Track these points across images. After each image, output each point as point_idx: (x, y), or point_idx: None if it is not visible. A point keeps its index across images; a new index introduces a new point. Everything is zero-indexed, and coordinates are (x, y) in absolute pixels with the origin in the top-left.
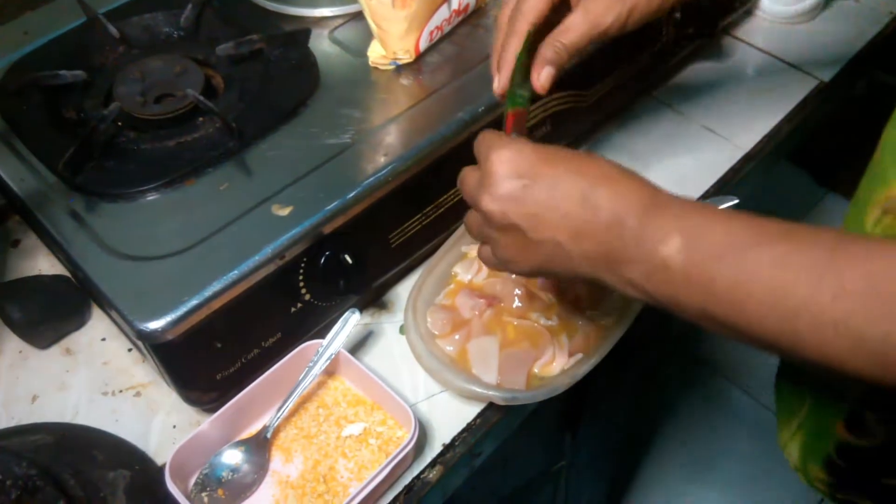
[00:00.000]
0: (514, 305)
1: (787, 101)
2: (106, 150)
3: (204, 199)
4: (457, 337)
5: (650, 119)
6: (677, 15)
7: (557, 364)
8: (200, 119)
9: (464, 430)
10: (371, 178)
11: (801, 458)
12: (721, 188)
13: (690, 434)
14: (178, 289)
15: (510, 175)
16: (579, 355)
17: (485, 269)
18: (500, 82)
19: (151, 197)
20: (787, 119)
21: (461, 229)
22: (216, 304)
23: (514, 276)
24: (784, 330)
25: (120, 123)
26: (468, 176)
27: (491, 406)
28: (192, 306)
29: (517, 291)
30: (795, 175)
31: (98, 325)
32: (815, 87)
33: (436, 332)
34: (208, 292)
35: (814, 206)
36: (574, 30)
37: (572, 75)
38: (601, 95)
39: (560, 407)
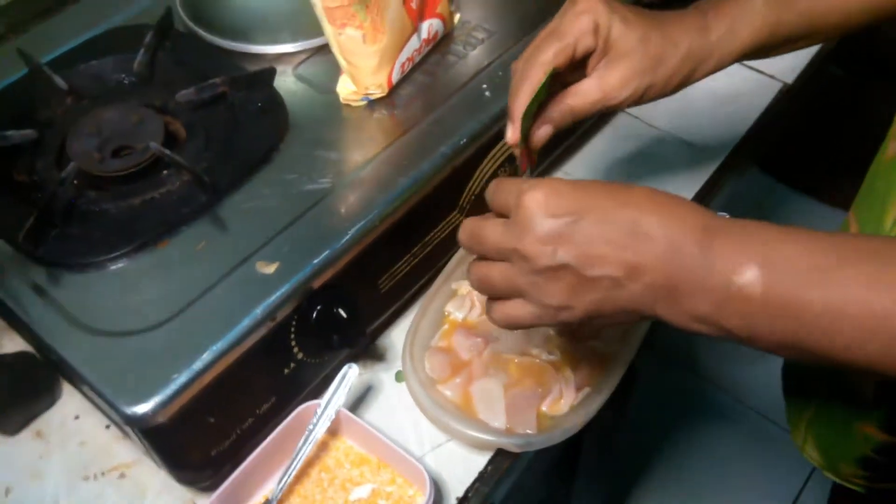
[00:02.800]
0: (513, 342)
1: (755, 106)
2: (67, 216)
3: (180, 262)
4: (457, 381)
5: (623, 134)
6: None
7: (566, 401)
8: (165, 172)
9: (476, 481)
10: (358, 225)
11: (824, 459)
12: (702, 201)
13: (687, 453)
14: (163, 365)
15: (551, 214)
16: (587, 389)
17: (479, 307)
18: (512, 133)
19: (122, 264)
20: (757, 124)
21: (450, 266)
22: (207, 378)
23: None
24: (890, 353)
25: (77, 183)
26: (488, 229)
27: (501, 452)
28: (181, 384)
29: None
30: (761, 179)
31: (69, 402)
32: (779, 90)
33: (435, 378)
34: (197, 366)
35: (779, 207)
36: (584, 96)
37: None
38: None
39: None
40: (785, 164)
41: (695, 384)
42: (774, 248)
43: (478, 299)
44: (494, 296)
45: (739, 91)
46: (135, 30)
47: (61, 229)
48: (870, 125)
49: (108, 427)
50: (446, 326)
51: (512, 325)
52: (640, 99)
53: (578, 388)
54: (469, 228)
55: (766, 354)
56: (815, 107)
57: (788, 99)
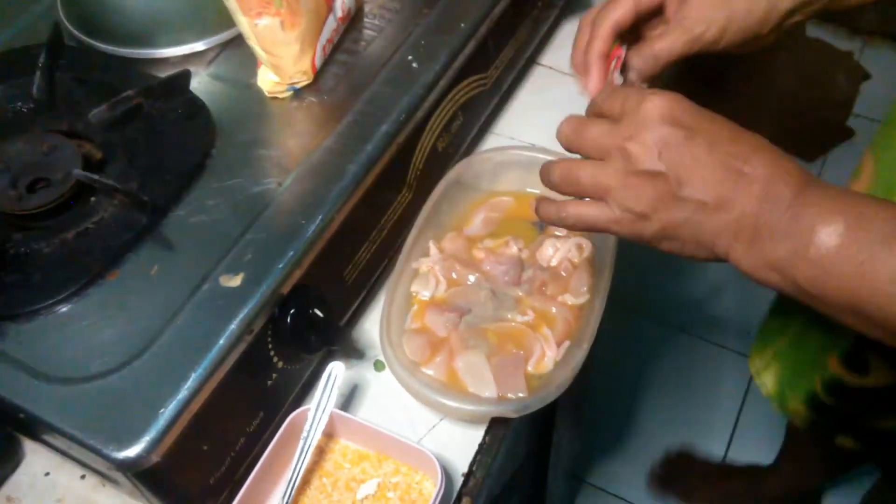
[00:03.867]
0: (485, 310)
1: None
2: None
3: (137, 291)
4: (439, 359)
5: (543, 86)
6: None
7: (549, 358)
8: (93, 199)
9: (477, 453)
10: (317, 221)
11: (777, 389)
12: None
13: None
14: (146, 402)
15: (669, 122)
16: (566, 343)
17: (444, 282)
18: (593, 83)
19: (73, 304)
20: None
21: (407, 246)
22: (194, 407)
23: (473, 280)
24: None
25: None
26: (594, 124)
27: (495, 420)
28: (170, 418)
29: (483, 294)
30: None
31: (36, 460)
32: None
33: (417, 360)
34: (183, 396)
35: None
36: (664, 38)
37: (473, 60)
38: (498, 74)
39: None
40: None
41: (643, 325)
42: (862, 209)
43: (441, 274)
44: (575, 193)
45: None
46: (21, 52)
47: None
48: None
49: (83, 477)
50: (416, 307)
51: (583, 227)
52: (722, 33)
53: (559, 344)
54: (573, 123)
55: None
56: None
57: None
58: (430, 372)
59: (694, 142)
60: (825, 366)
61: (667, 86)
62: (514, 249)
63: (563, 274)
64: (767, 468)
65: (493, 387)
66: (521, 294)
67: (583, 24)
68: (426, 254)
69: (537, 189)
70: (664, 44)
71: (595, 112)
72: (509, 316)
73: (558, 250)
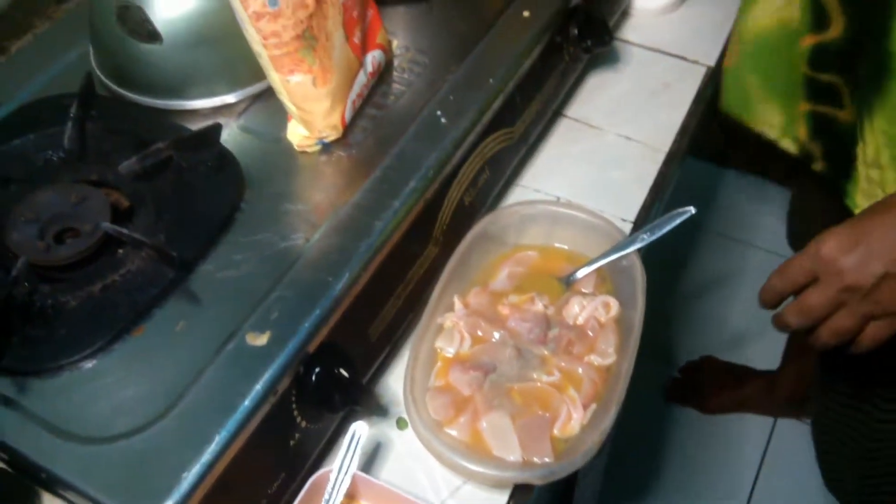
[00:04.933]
0: (510, 368)
1: (686, 92)
2: (25, 318)
3: (162, 348)
4: (462, 419)
5: (569, 138)
6: (575, 31)
7: (576, 421)
8: (120, 251)
9: None
10: (343, 279)
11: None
12: (657, 197)
13: None
14: (168, 465)
15: (846, 251)
16: (593, 406)
17: (468, 338)
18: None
19: (98, 360)
20: (692, 110)
21: (432, 303)
22: (218, 470)
23: (498, 338)
24: None
25: (27, 278)
26: (809, 298)
27: (519, 484)
28: (193, 481)
29: (508, 352)
30: (699, 166)
31: None
32: (704, 73)
33: (440, 420)
34: (207, 459)
35: (716, 187)
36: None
37: (500, 115)
38: (525, 127)
39: None
40: (721, 148)
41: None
42: None
43: (466, 330)
44: (849, 338)
45: (667, 80)
46: (52, 101)
47: (21, 333)
48: None
49: None
50: (440, 364)
51: (871, 347)
52: None
53: (585, 406)
54: (795, 310)
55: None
56: None
57: (715, 81)
58: (453, 432)
59: (873, 240)
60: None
61: None
62: (539, 306)
63: (590, 333)
64: (773, 373)
65: (518, 450)
66: (546, 353)
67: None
68: (451, 309)
69: (564, 244)
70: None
71: (782, 290)
72: (535, 375)
73: (585, 308)
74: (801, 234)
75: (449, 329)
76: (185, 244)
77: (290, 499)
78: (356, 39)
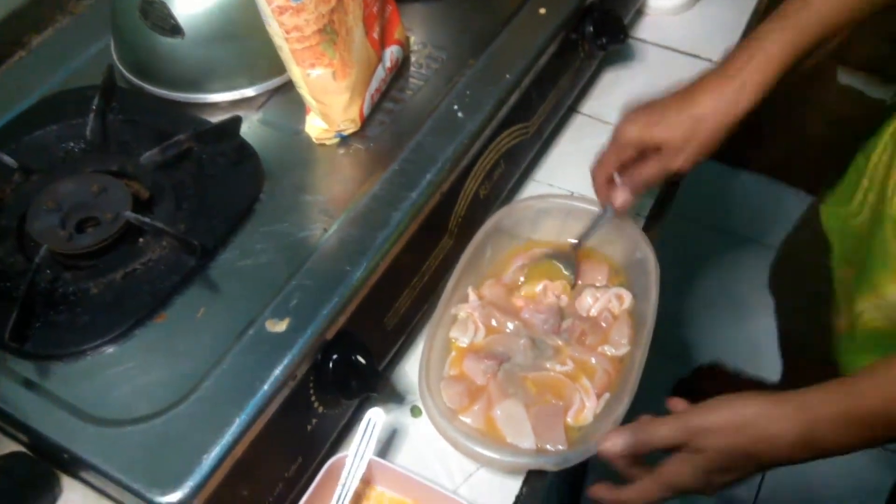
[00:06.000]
0: (524, 358)
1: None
2: (48, 304)
3: (183, 334)
4: (476, 407)
5: (583, 134)
6: (590, 28)
7: (589, 410)
8: (141, 240)
9: None
10: (362, 268)
11: None
12: (666, 194)
13: None
14: (189, 446)
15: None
16: (606, 395)
17: (483, 328)
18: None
19: (120, 346)
20: None
21: (446, 293)
22: (238, 453)
23: (512, 328)
24: None
25: (50, 266)
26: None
27: (532, 471)
28: (213, 463)
29: (522, 342)
30: (709, 165)
31: (72, 497)
32: None
33: (455, 408)
34: (227, 441)
35: (730, 187)
36: (647, 170)
37: (516, 109)
38: (540, 122)
39: None
40: (737, 148)
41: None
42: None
43: (480, 321)
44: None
45: (681, 78)
46: (74, 93)
47: (44, 318)
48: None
49: None
50: (454, 353)
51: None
52: (696, 158)
53: (599, 395)
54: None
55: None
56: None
57: None
58: (467, 420)
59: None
60: None
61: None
62: (552, 298)
63: (603, 324)
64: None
65: (532, 438)
66: (560, 343)
67: (592, 173)
68: (465, 300)
69: (576, 238)
70: (650, 175)
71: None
72: (548, 365)
73: (598, 300)
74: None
75: (463, 319)
76: (206, 233)
77: (306, 482)
78: (375, 35)
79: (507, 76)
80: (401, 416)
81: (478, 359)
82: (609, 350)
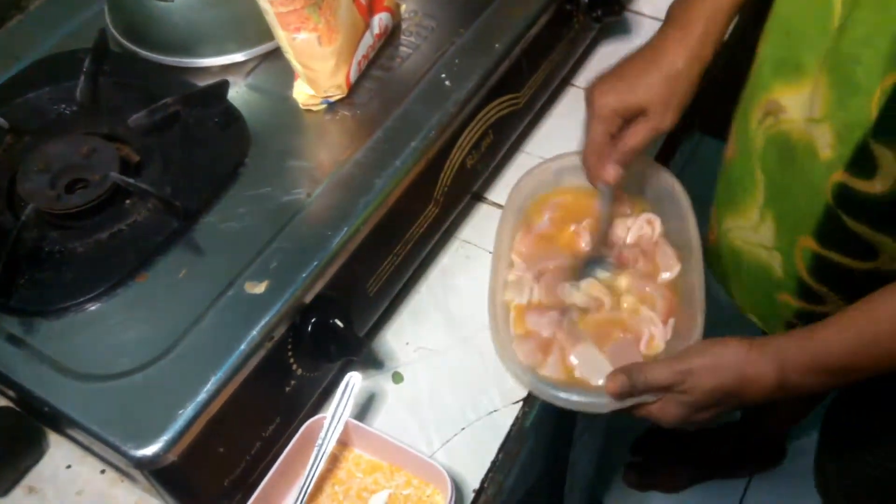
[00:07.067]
0: (584, 301)
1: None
2: (34, 261)
3: (164, 294)
4: (551, 360)
5: (577, 108)
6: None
7: (659, 338)
8: (128, 201)
9: (490, 470)
10: (342, 233)
11: (763, 324)
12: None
13: None
14: (166, 402)
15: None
16: (671, 320)
17: (537, 287)
18: (615, 174)
19: (103, 303)
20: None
21: (494, 267)
22: (213, 409)
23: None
24: None
25: (37, 224)
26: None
27: (510, 438)
28: (188, 419)
29: (575, 288)
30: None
31: (58, 453)
32: None
33: (531, 365)
34: (202, 398)
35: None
36: (635, 137)
37: (505, 80)
38: (531, 94)
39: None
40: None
41: None
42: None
43: (533, 279)
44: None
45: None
46: (66, 56)
47: (30, 275)
48: None
49: (103, 472)
50: (513, 314)
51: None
52: (676, 115)
53: (664, 322)
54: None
55: None
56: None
57: (723, 53)
58: (546, 374)
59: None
60: (787, 304)
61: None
62: (586, 237)
63: (645, 252)
64: (733, 424)
65: None
66: (611, 277)
67: (584, 159)
68: (510, 265)
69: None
70: (634, 141)
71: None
72: (606, 303)
73: (631, 228)
74: None
75: (515, 281)
76: (191, 196)
77: (285, 442)
78: (363, 0)
79: (497, 46)
80: (382, 381)
81: (540, 313)
82: (663, 275)
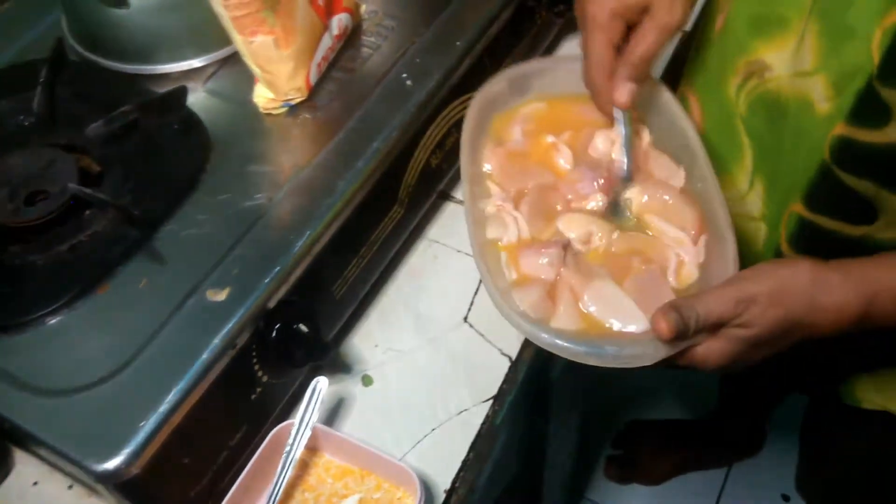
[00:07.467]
0: (588, 228)
1: (661, 58)
2: None
3: (125, 304)
4: (563, 308)
5: None
6: None
7: (691, 263)
8: (87, 212)
9: (460, 470)
10: (304, 237)
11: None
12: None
13: None
14: (127, 414)
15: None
16: (703, 237)
17: (520, 216)
18: (629, 93)
19: (62, 317)
20: (667, 71)
21: (466, 194)
22: (175, 420)
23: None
24: None
25: None
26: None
27: (480, 437)
28: (150, 431)
29: (575, 215)
30: None
31: (25, 470)
32: (679, 39)
33: (542, 318)
34: (164, 409)
35: None
36: (644, 42)
37: (468, 78)
38: None
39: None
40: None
41: None
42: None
43: (513, 211)
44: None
45: None
46: (24, 67)
47: None
48: None
49: (70, 487)
50: (505, 256)
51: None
52: (686, 13)
53: (695, 242)
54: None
55: None
56: None
57: (684, 41)
58: (560, 326)
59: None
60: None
61: None
62: (567, 155)
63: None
64: (712, 413)
65: (642, 318)
66: (619, 196)
67: (588, 80)
68: (487, 194)
69: (569, 90)
70: (644, 46)
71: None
72: (617, 225)
73: (615, 142)
74: None
75: (493, 215)
76: (151, 204)
77: (253, 450)
78: (320, 2)
79: (458, 44)
80: (350, 385)
81: (534, 252)
82: (686, 187)
